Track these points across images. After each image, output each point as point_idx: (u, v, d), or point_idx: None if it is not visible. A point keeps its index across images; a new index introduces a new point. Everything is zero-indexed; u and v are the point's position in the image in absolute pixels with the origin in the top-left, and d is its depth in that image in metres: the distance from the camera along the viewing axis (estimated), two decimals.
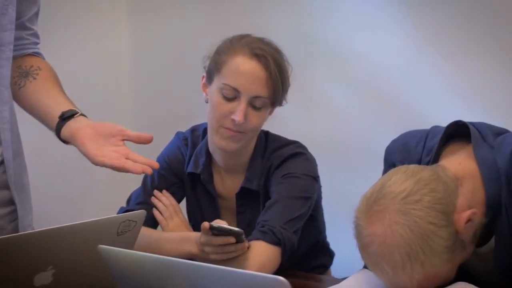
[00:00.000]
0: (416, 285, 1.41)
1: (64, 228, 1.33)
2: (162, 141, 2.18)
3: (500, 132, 1.61)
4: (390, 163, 1.70)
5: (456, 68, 2.71)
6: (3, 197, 1.75)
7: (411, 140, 1.71)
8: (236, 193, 2.09)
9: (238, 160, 2.09)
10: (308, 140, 2.16)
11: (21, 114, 1.84)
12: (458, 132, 1.62)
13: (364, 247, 1.44)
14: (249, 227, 1.99)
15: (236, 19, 3.15)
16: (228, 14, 3.21)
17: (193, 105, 2.49)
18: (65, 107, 1.74)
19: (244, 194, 2.08)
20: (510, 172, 1.49)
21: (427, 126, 1.74)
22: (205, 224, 1.77)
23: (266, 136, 2.13)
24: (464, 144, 1.60)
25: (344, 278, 1.67)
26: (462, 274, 1.51)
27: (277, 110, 2.08)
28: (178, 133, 2.23)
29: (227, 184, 2.13)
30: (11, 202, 1.76)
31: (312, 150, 2.12)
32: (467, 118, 1.65)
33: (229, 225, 1.80)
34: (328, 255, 2.29)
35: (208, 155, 2.12)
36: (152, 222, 2.09)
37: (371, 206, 1.44)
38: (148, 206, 2.08)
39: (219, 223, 1.79)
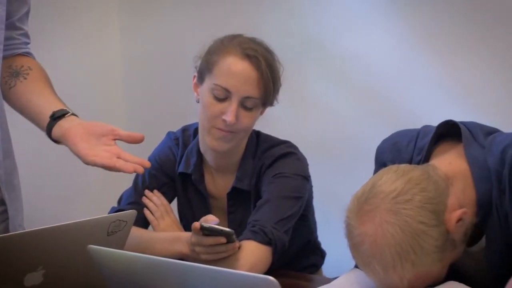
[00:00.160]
0: (407, 284, 1.41)
1: (55, 228, 1.32)
2: (153, 141, 2.18)
3: (490, 132, 1.61)
4: (381, 163, 1.71)
5: (447, 67, 2.72)
6: None
7: (402, 140, 1.72)
8: (227, 193, 2.09)
9: (229, 160, 2.09)
10: (299, 139, 2.16)
11: (11, 114, 1.83)
12: (449, 132, 1.62)
13: (355, 247, 1.44)
14: (240, 227, 1.99)
15: (228, 19, 3.15)
16: (220, 14, 3.21)
17: (184, 105, 2.49)
18: (56, 106, 1.73)
19: (235, 194, 2.08)
20: (500, 172, 1.49)
21: (418, 125, 1.74)
22: (196, 224, 1.77)
23: (257, 136, 2.13)
24: (455, 143, 1.60)
25: (336, 278, 1.68)
26: (453, 273, 1.51)
27: (269, 110, 2.08)
28: (169, 133, 2.22)
29: (218, 184, 2.13)
30: (1, 202, 1.75)
31: (303, 149, 2.12)
32: (458, 117, 1.65)
33: (220, 224, 1.80)
34: (319, 254, 2.29)
35: (199, 155, 2.11)
36: (143, 222, 2.09)
37: (362, 206, 1.44)
38: (139, 206, 2.08)
39: (212, 219, 1.80)
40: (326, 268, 2.31)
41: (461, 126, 1.60)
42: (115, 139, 1.66)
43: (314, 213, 2.24)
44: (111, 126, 1.67)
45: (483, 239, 1.55)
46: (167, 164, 2.16)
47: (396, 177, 1.44)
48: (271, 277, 1.08)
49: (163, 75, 3.44)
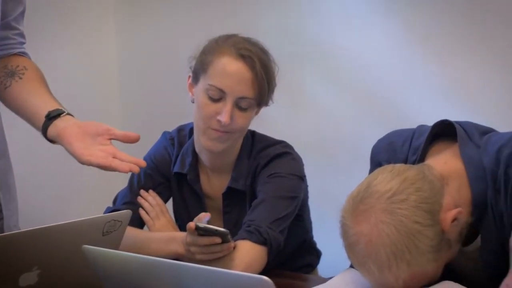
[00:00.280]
0: (402, 284, 1.41)
1: (50, 228, 1.32)
2: (149, 141, 2.17)
3: (486, 131, 1.61)
4: (376, 163, 1.71)
5: (446, 67, 2.72)
6: None
7: (397, 140, 1.71)
8: (222, 193, 2.09)
9: (224, 160, 2.08)
10: (294, 139, 2.16)
11: (6, 114, 1.83)
12: (444, 131, 1.62)
13: (350, 247, 1.44)
14: (235, 227, 1.99)
15: (224, 19, 3.15)
16: (216, 14, 3.21)
17: (180, 105, 2.49)
18: (52, 106, 1.73)
19: (230, 194, 2.08)
20: (496, 171, 1.49)
21: (414, 125, 1.74)
22: (191, 224, 1.77)
23: (252, 136, 2.13)
24: (450, 143, 1.60)
25: (331, 278, 1.68)
26: (448, 273, 1.51)
27: (264, 110, 2.07)
28: (164, 133, 2.22)
29: (214, 184, 2.13)
30: None
31: (298, 149, 2.12)
32: (458, 117, 1.66)
33: (215, 224, 1.80)
34: (314, 254, 2.29)
35: (195, 155, 2.11)
36: (138, 222, 2.09)
37: (357, 206, 1.44)
38: (134, 206, 2.08)
39: (204, 216, 1.80)
40: (322, 268, 2.31)
41: (456, 125, 1.60)
42: (110, 139, 1.66)
43: (309, 213, 2.24)
44: (107, 125, 1.67)
45: (479, 239, 1.55)
46: (162, 164, 2.16)
47: (391, 176, 1.45)
48: (265, 277, 1.08)
49: (159, 75, 3.44)
